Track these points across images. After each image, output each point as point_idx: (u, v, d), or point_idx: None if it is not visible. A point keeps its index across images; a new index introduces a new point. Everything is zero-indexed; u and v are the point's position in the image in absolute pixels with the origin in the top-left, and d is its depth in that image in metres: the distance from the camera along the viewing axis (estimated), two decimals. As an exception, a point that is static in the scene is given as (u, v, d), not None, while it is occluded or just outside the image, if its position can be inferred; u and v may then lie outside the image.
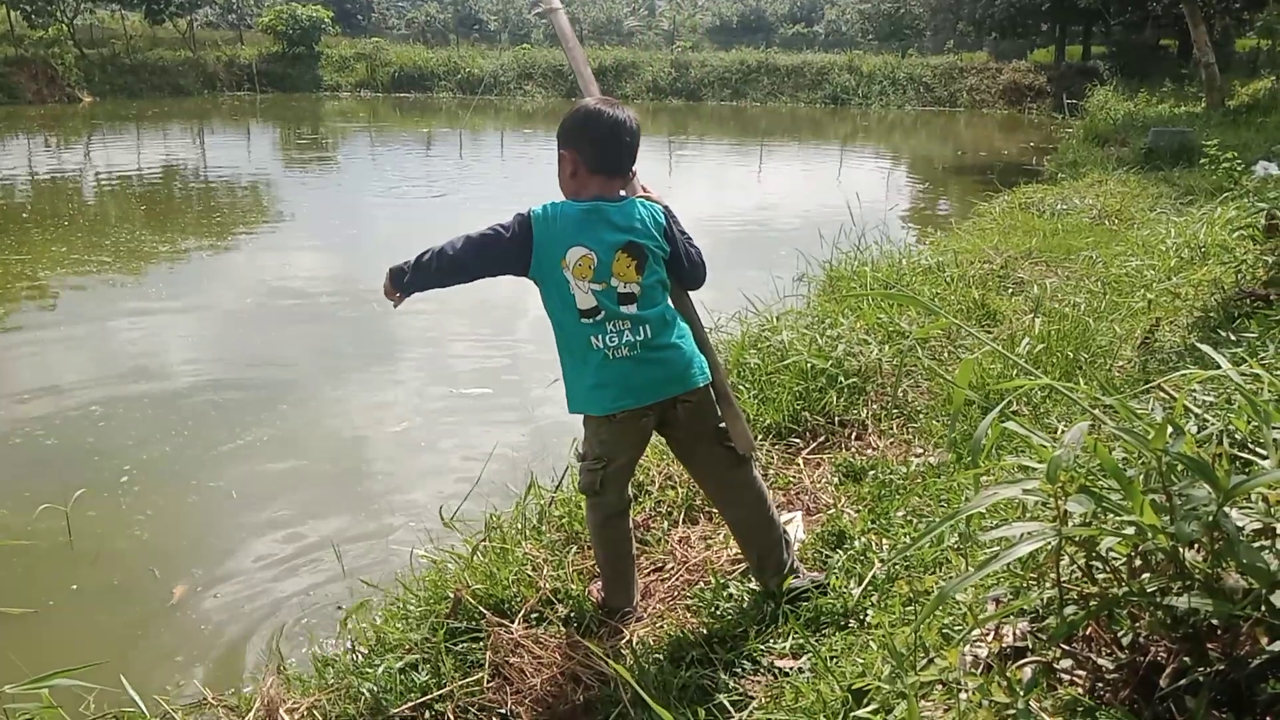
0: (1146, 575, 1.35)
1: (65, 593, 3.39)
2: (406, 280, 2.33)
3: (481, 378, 5.56)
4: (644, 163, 2.44)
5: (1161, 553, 1.32)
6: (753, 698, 2.19)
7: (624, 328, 2.30)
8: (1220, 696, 1.27)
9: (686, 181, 13.93)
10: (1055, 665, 1.48)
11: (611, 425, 2.39)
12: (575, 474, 2.89)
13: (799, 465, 3.48)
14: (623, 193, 2.39)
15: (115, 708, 2.42)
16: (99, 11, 27.86)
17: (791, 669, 2.23)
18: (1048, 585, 1.47)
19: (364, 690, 2.34)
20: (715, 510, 2.97)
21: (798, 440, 3.67)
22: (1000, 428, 1.50)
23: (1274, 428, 1.36)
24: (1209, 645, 1.29)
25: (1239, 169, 6.79)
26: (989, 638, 1.68)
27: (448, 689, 2.32)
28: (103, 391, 5.25)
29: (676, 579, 2.82)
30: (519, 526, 3.13)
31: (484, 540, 2.96)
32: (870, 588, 2.48)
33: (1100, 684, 1.42)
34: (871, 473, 3.28)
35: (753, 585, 2.62)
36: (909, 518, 2.86)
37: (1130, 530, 1.31)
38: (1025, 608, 1.58)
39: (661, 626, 2.56)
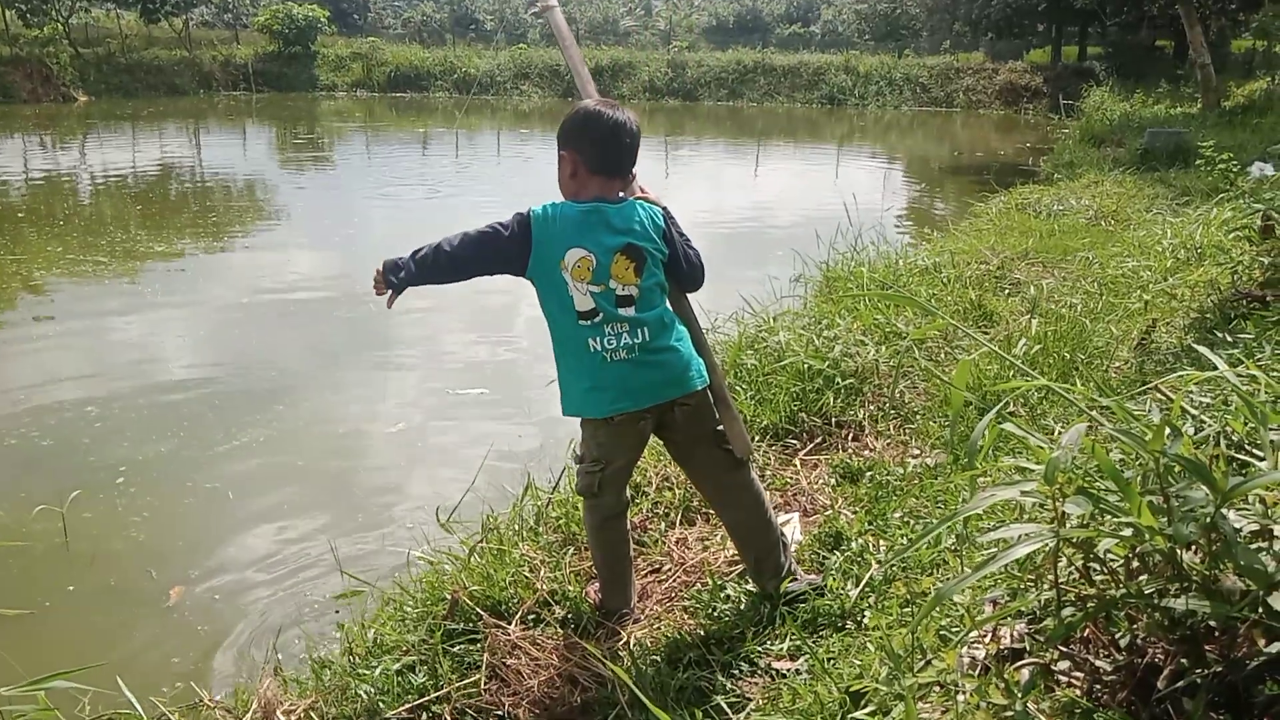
0: (1144, 577, 1.36)
1: (62, 594, 3.38)
2: (401, 275, 2.32)
3: (477, 378, 5.56)
4: (640, 163, 2.44)
5: (1159, 554, 1.32)
6: (750, 699, 2.19)
7: (622, 330, 2.30)
8: (1218, 698, 1.27)
9: (683, 182, 13.94)
10: (1053, 667, 1.48)
11: (609, 428, 2.39)
12: (572, 475, 2.89)
13: (796, 466, 3.48)
14: (622, 194, 2.39)
15: (111, 709, 2.41)
16: (94, 10, 27.84)
17: (789, 671, 2.23)
18: (1045, 587, 1.47)
19: (361, 692, 2.33)
20: (712, 512, 2.97)
21: (795, 441, 3.68)
22: (997, 429, 1.51)
23: (1271, 429, 1.36)
24: (1207, 647, 1.29)
25: (1235, 170, 6.82)
26: (986, 639, 1.68)
27: (445, 690, 2.31)
28: (98, 392, 5.23)
29: (674, 580, 2.82)
30: (516, 528, 3.12)
31: (481, 541, 2.96)
32: (867, 589, 2.48)
33: (1098, 685, 1.42)
34: (869, 474, 3.28)
35: (750, 587, 2.62)
36: (906, 519, 2.86)
37: (1128, 532, 1.31)
38: (1023, 609, 1.58)
39: (659, 628, 2.56)
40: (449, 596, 2.63)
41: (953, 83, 27.11)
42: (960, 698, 1.54)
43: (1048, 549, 1.38)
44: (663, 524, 3.13)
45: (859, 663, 2.05)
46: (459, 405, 5.18)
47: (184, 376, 5.56)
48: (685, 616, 2.61)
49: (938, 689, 1.70)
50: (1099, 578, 1.44)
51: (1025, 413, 3.55)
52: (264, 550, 3.67)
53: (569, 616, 2.60)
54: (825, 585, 2.55)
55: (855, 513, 3.01)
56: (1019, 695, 1.38)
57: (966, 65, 28.06)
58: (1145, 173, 10.61)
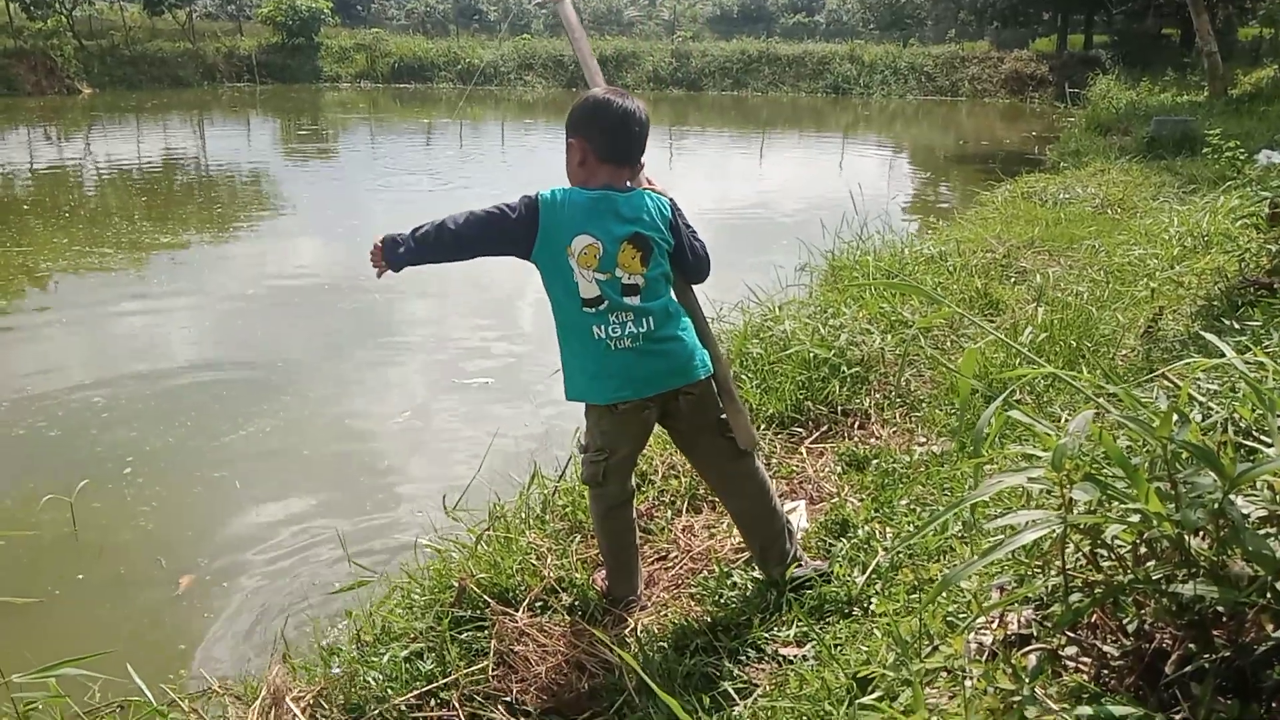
0: (1152, 563, 1.36)
1: (71, 583, 3.41)
2: (401, 252, 2.32)
3: (483, 367, 5.57)
4: (646, 153, 2.44)
5: (1167, 540, 1.32)
6: (757, 685, 2.20)
7: (627, 319, 2.30)
8: (1225, 683, 1.27)
9: (688, 171, 13.91)
10: (1060, 652, 1.48)
11: (613, 417, 2.39)
12: (578, 463, 2.90)
13: (802, 454, 3.48)
14: (630, 183, 2.39)
15: (122, 696, 2.43)
16: (98, 3, 27.85)
17: (796, 657, 2.24)
18: (1053, 573, 1.47)
19: (369, 679, 2.35)
20: (718, 500, 2.98)
21: (800, 429, 3.68)
22: (1004, 416, 1.50)
23: (1279, 415, 1.36)
24: (1214, 632, 1.29)
25: (1242, 158, 6.78)
26: (994, 625, 1.68)
27: (453, 677, 2.32)
28: (105, 383, 5.25)
29: (680, 567, 2.83)
30: (523, 516, 3.13)
31: (488, 529, 2.97)
32: (874, 576, 2.48)
33: (1105, 671, 1.42)
34: (875, 462, 3.28)
35: (756, 574, 2.62)
36: (912, 506, 2.87)
37: (1135, 518, 1.31)
38: (1030, 595, 1.58)
39: (666, 615, 2.57)
40: (456, 584, 2.64)
41: (958, 71, 26.98)
42: (968, 683, 1.54)
43: (1055, 535, 1.38)
44: (669, 511, 3.14)
45: (866, 649, 2.06)
46: (465, 394, 5.19)
47: (190, 367, 5.57)
48: (692, 603, 2.62)
49: (945, 674, 1.70)
50: (1106, 564, 1.44)
51: (1032, 400, 3.55)
52: (272, 539, 3.69)
53: (576, 604, 2.61)
54: (831, 571, 2.56)
55: (861, 500, 3.01)
56: (1026, 680, 1.38)
57: (972, 54, 27.91)
58: (1152, 161, 10.56)
